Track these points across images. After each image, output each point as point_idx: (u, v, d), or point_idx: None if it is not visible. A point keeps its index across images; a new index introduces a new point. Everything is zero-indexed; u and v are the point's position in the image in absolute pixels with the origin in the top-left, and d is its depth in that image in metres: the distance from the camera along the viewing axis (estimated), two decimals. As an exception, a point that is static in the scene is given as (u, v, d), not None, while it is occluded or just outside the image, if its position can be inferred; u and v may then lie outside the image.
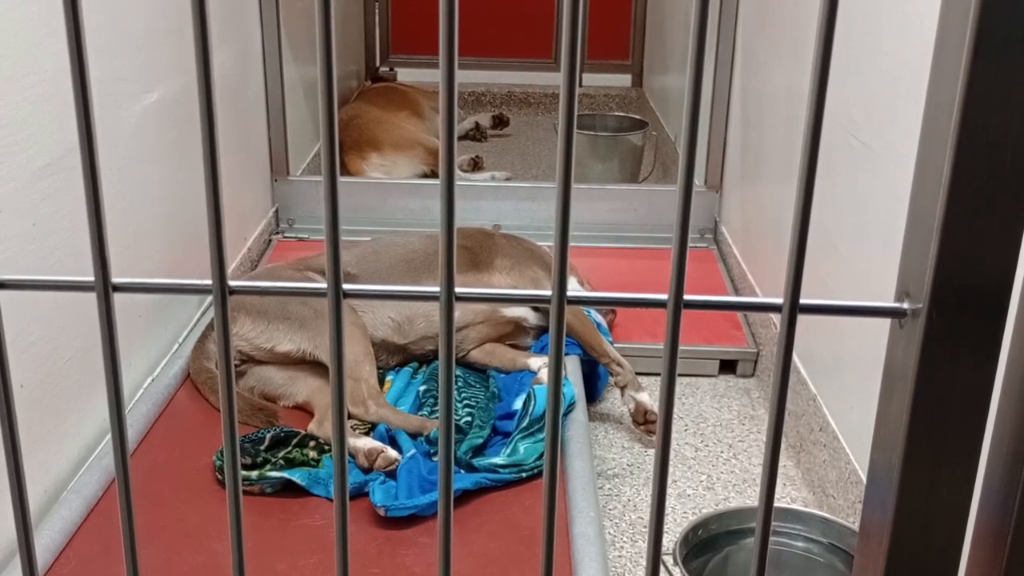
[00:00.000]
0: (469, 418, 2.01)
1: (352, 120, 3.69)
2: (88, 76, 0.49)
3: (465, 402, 2.10)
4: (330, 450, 1.90)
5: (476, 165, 3.86)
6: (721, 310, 0.58)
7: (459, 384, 2.20)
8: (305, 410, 2.10)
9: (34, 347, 1.69)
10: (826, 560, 1.70)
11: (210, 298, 0.52)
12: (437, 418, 2.01)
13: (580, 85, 4.21)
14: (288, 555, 1.66)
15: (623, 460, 2.23)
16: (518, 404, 2.05)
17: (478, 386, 2.21)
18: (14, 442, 0.55)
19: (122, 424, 0.55)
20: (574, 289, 2.05)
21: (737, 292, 2.88)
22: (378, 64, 4.98)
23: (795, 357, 2.23)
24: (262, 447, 1.87)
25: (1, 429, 0.56)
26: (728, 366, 2.59)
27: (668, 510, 2.06)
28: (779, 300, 0.52)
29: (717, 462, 2.22)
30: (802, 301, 0.52)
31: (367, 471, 1.85)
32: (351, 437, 1.88)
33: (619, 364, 2.27)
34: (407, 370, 2.26)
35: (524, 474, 1.86)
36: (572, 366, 2.26)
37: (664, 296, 0.52)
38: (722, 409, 2.44)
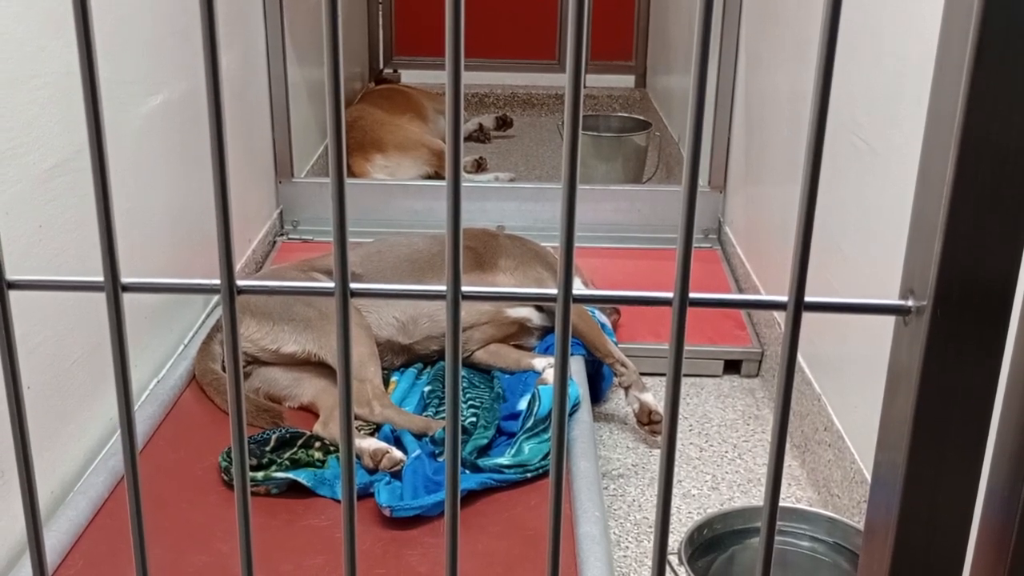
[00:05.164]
0: (474, 419, 2.02)
1: (356, 122, 3.69)
2: (97, 78, 0.49)
3: (470, 403, 2.11)
4: (335, 451, 1.90)
5: (480, 166, 3.86)
6: (726, 308, 0.59)
7: (464, 385, 2.21)
8: (310, 411, 2.11)
9: (40, 348, 1.69)
10: (831, 559, 1.70)
11: (215, 299, 0.53)
12: (442, 419, 2.01)
13: (584, 86, 4.21)
14: (294, 555, 1.66)
15: (628, 460, 2.23)
16: (523, 404, 2.05)
17: (483, 387, 2.21)
18: (24, 444, 0.56)
19: (131, 424, 0.55)
20: (578, 289, 2.05)
21: (741, 292, 2.88)
22: (382, 66, 4.99)
23: (800, 357, 2.23)
24: (267, 448, 1.87)
25: (12, 431, 0.56)
26: (732, 366, 2.59)
27: (673, 510, 2.06)
28: (784, 298, 0.52)
29: (722, 462, 2.22)
30: (807, 299, 0.52)
31: (372, 472, 1.85)
32: (356, 438, 1.89)
33: (623, 364, 2.28)
34: (412, 371, 2.26)
35: (529, 474, 1.86)
36: (576, 366, 2.26)
37: (669, 294, 0.52)
38: (727, 409, 2.44)
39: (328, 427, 2.00)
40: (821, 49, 0.48)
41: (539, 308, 2.35)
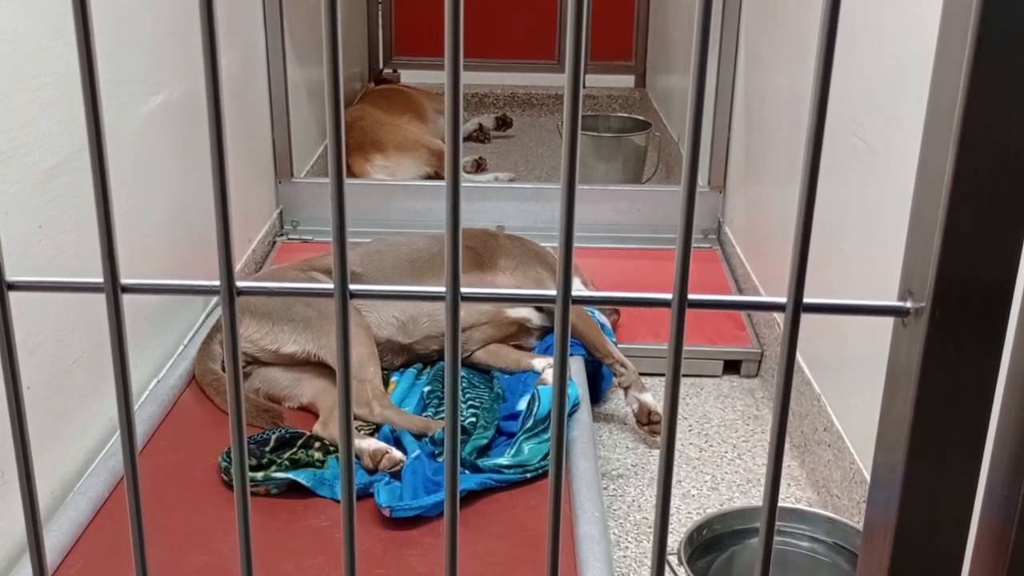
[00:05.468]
0: (473, 419, 2.02)
1: (356, 122, 3.69)
2: (97, 78, 0.49)
3: (469, 403, 2.11)
4: (335, 451, 1.90)
5: (479, 166, 3.86)
6: (725, 309, 0.59)
7: (463, 385, 2.21)
8: (310, 411, 2.11)
9: (41, 349, 1.69)
10: (831, 560, 1.70)
11: (215, 299, 0.53)
12: (441, 419, 2.01)
13: (583, 86, 4.21)
14: (293, 555, 1.66)
15: (627, 460, 2.23)
16: (522, 405, 2.05)
17: (482, 387, 2.21)
18: (24, 444, 0.56)
19: (131, 424, 0.55)
20: (578, 289, 2.05)
21: (741, 292, 2.88)
22: (381, 66, 4.99)
23: (799, 357, 2.23)
24: (267, 448, 1.87)
25: (12, 431, 0.56)
26: (732, 367, 2.59)
27: (673, 510, 2.06)
28: (783, 299, 0.52)
29: (721, 462, 2.23)
30: (806, 300, 0.52)
31: (372, 472, 1.85)
32: (356, 438, 1.89)
33: (623, 365, 2.28)
34: (411, 371, 2.26)
35: (528, 474, 1.86)
36: (576, 367, 2.26)
37: (668, 295, 0.52)
38: (726, 409, 2.44)
39: (328, 427, 2.00)
40: (820, 49, 0.48)
41: (539, 308, 2.35)
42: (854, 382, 1.98)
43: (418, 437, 1.95)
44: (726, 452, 2.26)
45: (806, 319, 0.52)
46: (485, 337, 2.31)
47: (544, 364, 2.23)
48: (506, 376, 2.24)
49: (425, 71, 4.81)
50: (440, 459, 1.87)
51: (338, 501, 1.74)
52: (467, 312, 2.24)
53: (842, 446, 1.98)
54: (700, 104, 0.49)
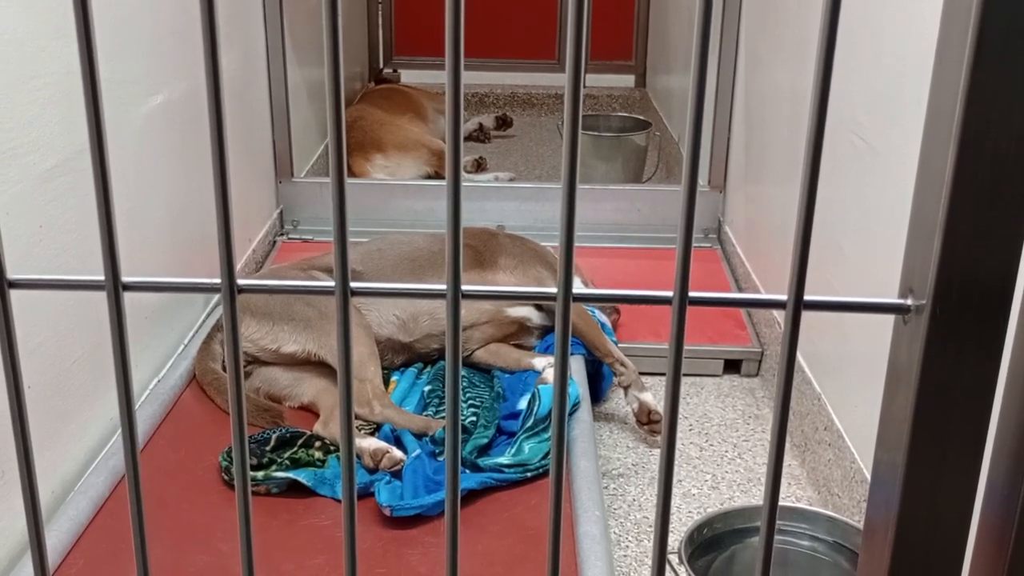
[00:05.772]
0: (474, 418, 2.02)
1: (356, 122, 3.69)
2: (98, 78, 0.49)
3: (470, 402, 2.11)
4: (336, 450, 1.90)
5: (479, 166, 3.86)
6: (726, 307, 0.59)
7: (464, 384, 2.21)
8: (310, 411, 2.11)
9: (41, 348, 1.69)
10: (831, 559, 1.70)
11: (216, 299, 0.53)
12: (442, 418, 2.01)
13: (584, 86, 4.21)
14: (294, 555, 1.66)
15: (628, 460, 2.23)
16: (523, 404, 2.05)
17: (483, 386, 2.21)
18: (25, 444, 0.56)
19: (132, 424, 0.55)
20: (578, 289, 2.04)
21: (741, 292, 2.88)
22: (381, 66, 4.99)
23: (799, 356, 2.23)
24: (268, 448, 1.87)
25: (13, 431, 0.56)
26: (732, 366, 2.59)
27: (673, 509, 2.06)
28: (783, 297, 0.52)
29: (722, 461, 2.23)
30: (806, 298, 0.52)
31: (372, 471, 1.85)
32: (356, 437, 1.89)
33: (623, 364, 2.28)
34: (412, 371, 2.26)
35: (529, 474, 1.86)
36: (576, 366, 2.26)
37: (669, 293, 0.52)
38: (727, 409, 2.44)
39: (328, 427, 2.00)
40: (820, 49, 0.48)
41: (539, 307, 2.36)
42: (854, 381, 1.98)
43: (419, 436, 1.95)
44: (726, 451, 2.26)
45: (807, 318, 0.52)
46: (485, 336, 2.31)
47: (544, 363, 2.23)
48: (506, 375, 2.25)
49: (425, 71, 4.80)
50: (441, 458, 1.87)
51: (339, 500, 1.74)
52: (467, 311, 2.24)
53: (842, 445, 1.98)
54: (700, 104, 0.49)
